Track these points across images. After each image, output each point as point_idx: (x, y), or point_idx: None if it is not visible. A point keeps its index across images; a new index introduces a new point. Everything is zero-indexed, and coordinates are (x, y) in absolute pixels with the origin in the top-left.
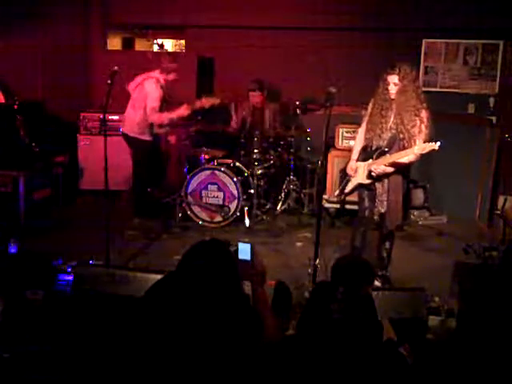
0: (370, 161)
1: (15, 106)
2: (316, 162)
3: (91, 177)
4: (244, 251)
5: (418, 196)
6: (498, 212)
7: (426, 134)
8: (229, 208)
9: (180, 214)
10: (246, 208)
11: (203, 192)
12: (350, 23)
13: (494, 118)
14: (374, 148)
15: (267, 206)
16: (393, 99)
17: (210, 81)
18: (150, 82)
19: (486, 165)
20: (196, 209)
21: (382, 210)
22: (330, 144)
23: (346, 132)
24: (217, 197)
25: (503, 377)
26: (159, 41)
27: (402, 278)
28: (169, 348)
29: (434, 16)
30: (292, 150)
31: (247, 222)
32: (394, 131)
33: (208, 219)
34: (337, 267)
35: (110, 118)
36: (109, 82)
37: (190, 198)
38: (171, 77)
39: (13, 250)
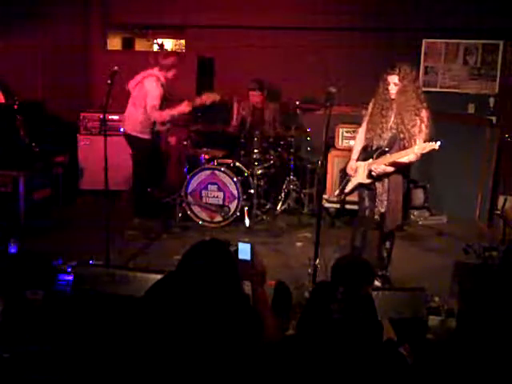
0: (371, 160)
1: (15, 106)
2: (316, 162)
3: (91, 177)
4: (244, 251)
5: (418, 196)
6: (498, 212)
7: (427, 134)
8: (229, 208)
9: (180, 214)
10: (246, 208)
11: (203, 192)
12: (349, 23)
13: (494, 118)
14: (374, 148)
15: (267, 206)
16: (393, 99)
17: (210, 81)
18: (149, 80)
19: (486, 165)
20: (196, 209)
21: (382, 210)
22: (329, 144)
23: (346, 132)
24: (217, 197)
25: (503, 377)
26: (159, 41)
27: (402, 277)
28: (169, 348)
29: (434, 16)
30: (292, 150)
31: (247, 222)
32: (394, 131)
33: (208, 219)
34: (337, 267)
35: (110, 117)
36: (109, 81)
37: (190, 198)
38: (171, 74)
39: (13, 250)
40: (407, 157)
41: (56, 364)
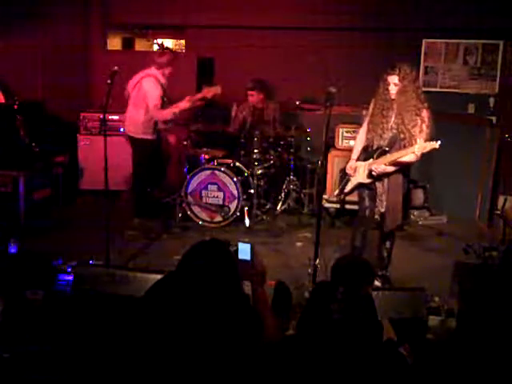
0: (371, 160)
1: (15, 106)
2: (316, 162)
3: (91, 177)
4: (244, 251)
5: (418, 196)
6: (498, 212)
7: (427, 134)
8: (229, 208)
9: (180, 214)
10: (246, 208)
11: (203, 192)
12: (350, 23)
13: (494, 118)
14: (374, 148)
15: (267, 206)
16: (393, 99)
17: (210, 81)
18: (147, 80)
19: (486, 165)
20: (196, 209)
21: (382, 210)
22: (329, 144)
23: (346, 132)
24: (217, 197)
25: (503, 377)
26: (159, 41)
27: (402, 277)
28: (169, 348)
29: (434, 16)
30: (292, 150)
31: (247, 222)
32: (394, 131)
33: (208, 219)
34: (337, 267)
35: (109, 118)
36: (109, 81)
37: (190, 198)
38: (167, 71)
39: (13, 250)
40: (407, 156)
41: (56, 364)
